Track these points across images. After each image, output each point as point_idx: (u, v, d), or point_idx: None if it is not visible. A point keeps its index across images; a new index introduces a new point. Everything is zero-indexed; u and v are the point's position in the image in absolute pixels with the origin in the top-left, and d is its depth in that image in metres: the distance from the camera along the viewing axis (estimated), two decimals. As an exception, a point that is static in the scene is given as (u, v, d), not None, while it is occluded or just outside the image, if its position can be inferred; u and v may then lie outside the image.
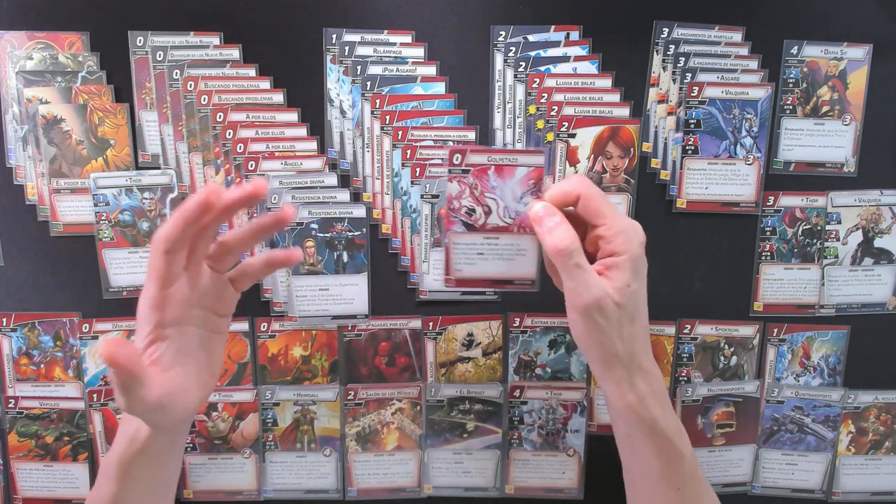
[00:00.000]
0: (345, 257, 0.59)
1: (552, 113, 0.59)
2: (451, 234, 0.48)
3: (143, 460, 0.46)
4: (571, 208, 0.47)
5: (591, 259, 0.46)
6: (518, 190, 0.48)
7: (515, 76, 0.59)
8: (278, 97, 0.58)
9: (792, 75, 0.59)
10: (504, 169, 0.47)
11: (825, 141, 0.60)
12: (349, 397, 0.62)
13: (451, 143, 0.59)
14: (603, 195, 0.46)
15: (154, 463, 0.47)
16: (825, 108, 0.60)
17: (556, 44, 0.58)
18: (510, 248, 0.49)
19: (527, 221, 0.48)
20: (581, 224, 0.47)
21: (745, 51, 0.59)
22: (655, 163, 0.60)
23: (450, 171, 0.48)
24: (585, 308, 0.44)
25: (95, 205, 0.58)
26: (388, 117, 0.58)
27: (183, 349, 0.44)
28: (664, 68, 0.59)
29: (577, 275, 0.44)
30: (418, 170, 0.59)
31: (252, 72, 0.58)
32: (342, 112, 0.59)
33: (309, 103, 0.58)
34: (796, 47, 0.59)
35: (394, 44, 0.58)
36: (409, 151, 0.58)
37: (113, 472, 0.46)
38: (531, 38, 0.58)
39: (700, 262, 0.61)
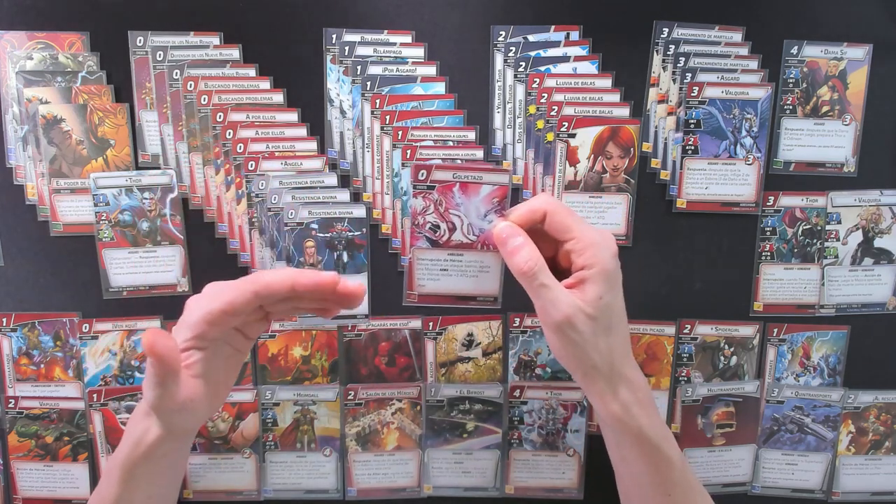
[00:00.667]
0: (345, 257, 0.59)
1: (552, 113, 0.59)
2: (414, 250, 0.49)
3: (148, 464, 0.46)
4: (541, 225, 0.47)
5: (567, 273, 0.46)
6: (482, 208, 0.48)
7: (515, 76, 0.59)
8: (278, 97, 0.58)
9: (792, 75, 0.59)
10: (469, 186, 0.48)
11: (825, 141, 0.60)
12: (349, 397, 0.62)
13: (451, 143, 0.59)
14: (569, 210, 0.47)
15: (158, 468, 0.47)
16: (825, 108, 0.60)
17: (556, 44, 0.58)
18: (474, 265, 0.50)
19: (490, 239, 0.48)
20: (552, 240, 0.47)
21: (745, 51, 0.59)
22: (655, 163, 0.60)
23: (415, 187, 0.48)
24: (556, 325, 0.45)
25: (95, 205, 0.58)
26: (388, 117, 0.58)
27: (212, 361, 0.45)
28: (664, 68, 0.59)
29: (544, 293, 0.45)
30: (418, 170, 0.59)
31: (252, 72, 0.58)
32: (342, 112, 0.59)
33: (309, 103, 0.58)
34: (796, 47, 0.59)
35: (394, 44, 0.58)
36: (409, 151, 0.58)
37: (116, 476, 0.46)
38: (531, 38, 0.58)
39: (700, 262, 0.61)
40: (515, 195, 0.60)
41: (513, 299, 0.61)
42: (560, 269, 0.47)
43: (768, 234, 0.61)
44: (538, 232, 0.47)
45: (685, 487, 0.48)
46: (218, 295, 0.43)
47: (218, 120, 0.58)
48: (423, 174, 0.47)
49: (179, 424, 0.46)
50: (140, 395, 0.60)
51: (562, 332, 0.45)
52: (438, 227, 0.49)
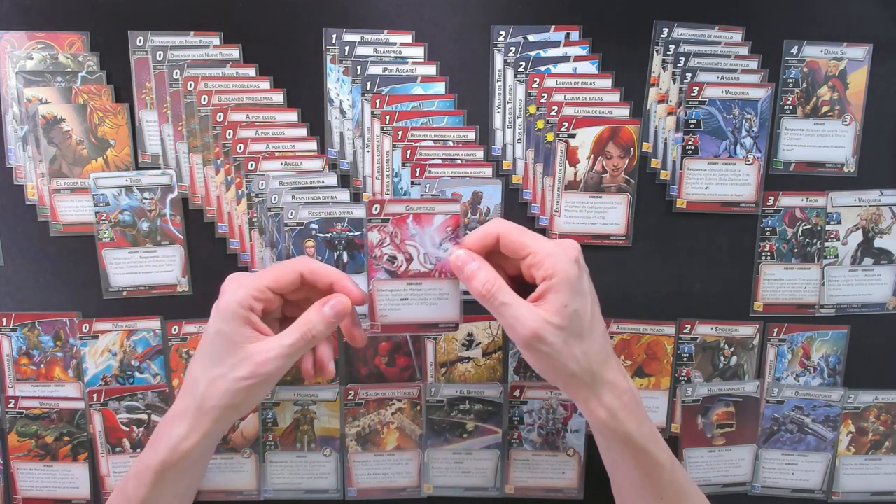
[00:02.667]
0: (345, 257, 0.59)
1: (552, 113, 0.59)
2: (374, 282, 0.50)
3: (182, 466, 0.48)
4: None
5: (533, 290, 0.46)
6: (437, 237, 0.50)
7: (515, 76, 0.59)
8: (278, 97, 0.58)
9: (792, 75, 0.59)
10: (422, 217, 0.49)
11: (825, 141, 0.60)
12: (349, 397, 0.62)
13: (451, 143, 0.59)
14: (521, 229, 0.47)
15: (189, 470, 0.49)
16: (825, 108, 0.60)
17: (556, 44, 0.58)
18: (433, 293, 0.51)
19: (447, 267, 0.50)
20: (513, 260, 0.48)
21: (745, 51, 0.59)
22: (655, 163, 0.60)
23: (369, 221, 0.49)
24: (525, 342, 0.45)
25: (95, 205, 0.58)
26: (388, 117, 0.58)
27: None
28: (664, 68, 0.59)
29: (505, 312, 0.45)
30: (418, 170, 0.59)
31: (252, 72, 0.58)
32: (342, 112, 0.59)
33: (309, 103, 0.58)
34: (796, 47, 0.59)
35: (394, 44, 0.58)
36: (409, 151, 0.58)
37: (148, 478, 0.47)
38: (531, 38, 0.58)
39: (700, 262, 0.61)
40: (515, 195, 0.60)
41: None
42: (528, 286, 0.47)
43: (768, 234, 0.61)
44: (499, 253, 0.48)
45: (677, 491, 0.48)
46: (265, 272, 0.49)
47: (218, 120, 0.58)
48: (376, 208, 0.49)
49: (231, 418, 0.48)
50: (140, 395, 0.60)
51: (532, 347, 0.45)
52: (396, 258, 0.50)
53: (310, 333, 0.47)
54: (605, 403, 0.46)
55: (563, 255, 0.45)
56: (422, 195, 0.59)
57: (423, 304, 0.51)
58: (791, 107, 0.60)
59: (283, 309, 0.51)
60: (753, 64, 0.59)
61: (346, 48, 0.58)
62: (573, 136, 0.59)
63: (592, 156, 0.59)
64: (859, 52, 0.59)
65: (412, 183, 0.59)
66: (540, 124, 0.59)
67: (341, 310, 0.48)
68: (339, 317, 0.48)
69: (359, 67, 0.58)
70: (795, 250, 0.62)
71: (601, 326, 0.47)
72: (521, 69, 0.58)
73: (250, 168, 0.58)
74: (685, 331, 0.62)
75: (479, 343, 0.62)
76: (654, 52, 0.59)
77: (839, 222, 0.61)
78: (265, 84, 0.58)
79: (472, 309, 0.61)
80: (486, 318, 0.61)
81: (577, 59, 0.58)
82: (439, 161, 0.59)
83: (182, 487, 0.50)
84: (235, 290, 0.47)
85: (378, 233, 0.49)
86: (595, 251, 0.61)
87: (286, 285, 0.48)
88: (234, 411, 0.48)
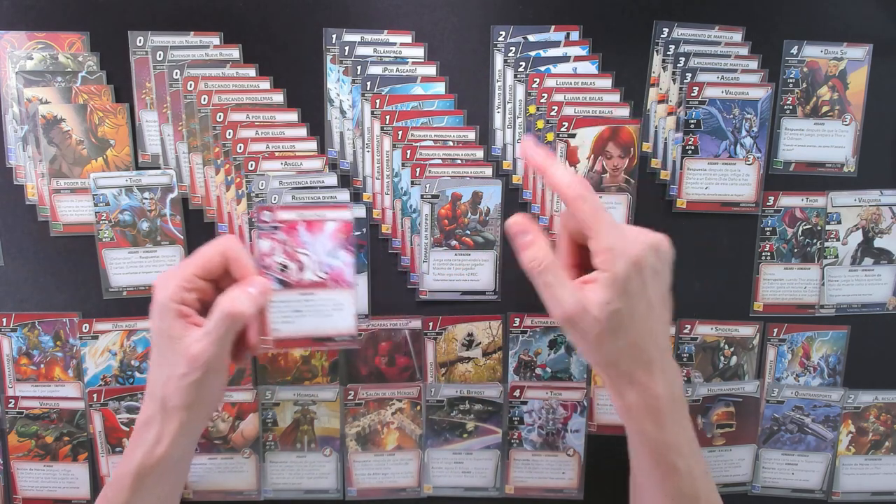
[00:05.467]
0: (345, 257, 0.59)
1: (552, 113, 0.59)
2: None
3: (160, 469, 0.47)
4: None
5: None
6: (329, 244, 0.48)
7: (515, 76, 0.59)
8: (278, 97, 0.58)
9: (792, 75, 0.59)
10: (314, 224, 0.48)
11: (825, 141, 0.60)
12: (349, 397, 0.62)
13: (451, 143, 0.59)
14: (595, 207, 0.45)
15: (168, 472, 0.48)
16: (825, 108, 0.60)
17: (556, 44, 0.58)
18: (327, 304, 0.49)
19: (341, 276, 0.48)
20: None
21: (745, 51, 0.59)
22: (655, 163, 0.60)
23: (259, 229, 0.47)
24: (561, 321, 0.45)
25: (95, 205, 0.58)
26: (388, 117, 0.58)
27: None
28: (664, 68, 0.59)
29: (546, 292, 0.45)
30: (418, 170, 0.59)
31: (252, 72, 0.58)
32: (342, 112, 0.59)
33: (309, 103, 0.58)
34: (796, 47, 0.59)
35: (394, 44, 0.58)
36: (409, 151, 0.58)
37: (128, 482, 0.46)
38: (531, 38, 0.58)
39: (700, 262, 0.61)
40: (515, 195, 0.60)
41: (513, 299, 0.61)
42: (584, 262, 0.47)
43: (768, 234, 0.61)
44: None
45: (691, 498, 0.47)
46: (184, 263, 0.47)
47: (218, 120, 0.58)
48: (267, 215, 0.47)
49: (198, 416, 0.47)
50: (140, 395, 0.60)
51: (567, 327, 0.45)
52: (287, 266, 0.48)
53: (232, 309, 0.45)
54: (627, 400, 0.46)
55: (619, 253, 0.44)
56: (422, 195, 0.59)
57: (318, 316, 0.49)
58: (791, 107, 0.60)
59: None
60: (753, 64, 0.59)
61: (346, 48, 0.58)
62: (573, 136, 0.59)
63: (592, 156, 0.59)
64: (859, 52, 0.59)
65: (412, 183, 0.59)
66: (540, 124, 0.59)
67: (265, 288, 0.46)
68: (263, 294, 0.46)
69: (359, 67, 0.58)
70: (795, 250, 0.62)
71: (650, 329, 0.46)
72: (521, 69, 0.58)
73: (250, 168, 0.58)
74: (685, 331, 0.62)
75: (479, 343, 0.62)
76: (654, 52, 0.59)
77: (839, 222, 0.61)
78: (265, 84, 0.58)
79: (473, 309, 0.61)
80: (486, 318, 0.61)
81: (577, 59, 0.58)
82: (439, 161, 0.59)
83: (164, 491, 0.49)
84: (165, 285, 0.46)
85: (269, 240, 0.47)
86: (595, 251, 0.61)
87: (212, 268, 0.46)
88: (197, 409, 0.46)
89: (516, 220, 0.47)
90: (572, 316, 0.44)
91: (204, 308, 0.47)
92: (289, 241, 0.48)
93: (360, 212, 0.59)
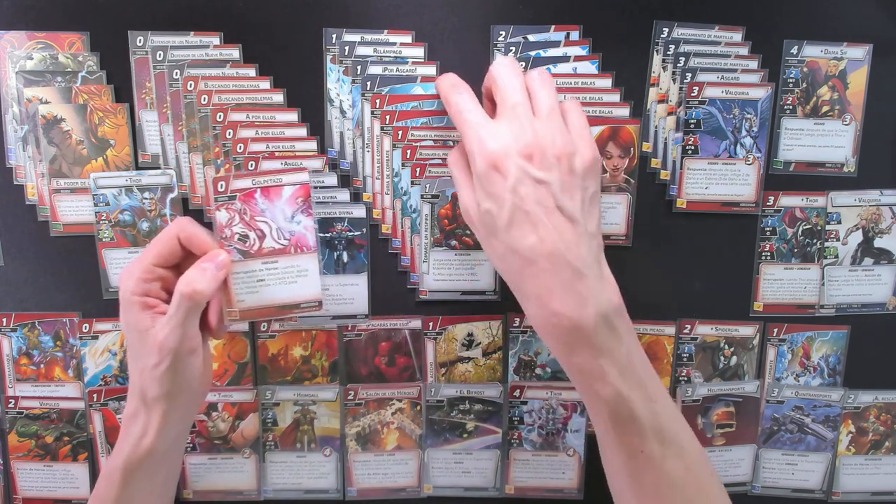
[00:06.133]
0: (345, 257, 0.59)
1: (552, 113, 0.59)
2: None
3: (148, 463, 0.47)
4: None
5: None
6: (288, 210, 0.48)
7: (515, 76, 0.58)
8: (278, 97, 0.58)
9: (792, 75, 0.59)
10: (270, 190, 0.47)
11: (825, 141, 0.60)
12: (349, 397, 0.62)
13: (451, 143, 0.59)
14: (458, 108, 0.47)
15: (158, 465, 0.48)
16: (825, 108, 0.60)
17: (556, 44, 0.58)
18: (291, 271, 0.48)
19: (303, 240, 0.48)
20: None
21: (745, 51, 0.59)
22: (655, 163, 0.60)
23: (216, 200, 0.47)
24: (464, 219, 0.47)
25: (95, 205, 0.58)
26: (388, 117, 0.58)
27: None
28: (664, 68, 0.59)
29: (456, 187, 0.47)
30: (418, 170, 0.59)
31: (252, 72, 0.58)
32: (342, 112, 0.59)
33: (309, 103, 0.58)
34: (796, 47, 0.59)
35: (394, 44, 0.58)
36: (409, 151, 0.58)
37: (117, 478, 0.46)
38: (531, 38, 0.58)
39: (700, 262, 0.61)
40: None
41: (513, 299, 0.61)
42: None
43: (768, 234, 0.61)
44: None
45: (630, 423, 0.44)
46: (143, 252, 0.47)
47: (218, 120, 0.58)
48: (221, 185, 0.47)
49: (181, 404, 0.47)
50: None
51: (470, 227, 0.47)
52: (247, 236, 0.47)
53: (189, 289, 0.45)
54: (529, 312, 0.46)
55: (479, 155, 0.44)
56: (422, 195, 0.59)
57: (282, 284, 0.48)
58: (791, 107, 0.60)
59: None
60: (753, 64, 0.59)
61: (346, 48, 0.58)
62: (573, 136, 0.59)
63: (592, 156, 0.59)
64: (859, 52, 0.59)
65: (412, 183, 0.59)
66: (540, 124, 0.59)
67: (220, 261, 0.46)
68: (219, 268, 0.46)
69: (359, 67, 0.58)
70: (795, 250, 0.62)
71: (543, 238, 0.43)
72: (521, 69, 0.58)
73: (250, 168, 0.58)
74: (685, 331, 0.62)
75: (479, 343, 0.62)
76: (654, 52, 0.59)
77: (839, 222, 0.61)
78: (265, 84, 0.58)
79: (473, 309, 0.61)
80: (485, 318, 0.61)
81: (577, 59, 0.58)
82: (439, 161, 0.59)
83: (156, 484, 0.49)
84: (126, 279, 0.46)
85: (226, 211, 0.47)
86: (595, 251, 0.61)
87: (168, 254, 0.47)
88: (177, 398, 0.46)
89: (444, 75, 0.49)
90: (466, 214, 0.46)
91: (170, 295, 0.47)
92: (246, 209, 0.47)
93: (360, 212, 0.59)
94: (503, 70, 0.47)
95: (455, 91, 0.48)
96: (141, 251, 0.48)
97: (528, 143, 0.44)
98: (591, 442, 0.63)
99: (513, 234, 0.44)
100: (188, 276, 0.46)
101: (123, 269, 0.48)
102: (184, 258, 0.48)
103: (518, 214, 0.43)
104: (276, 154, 0.58)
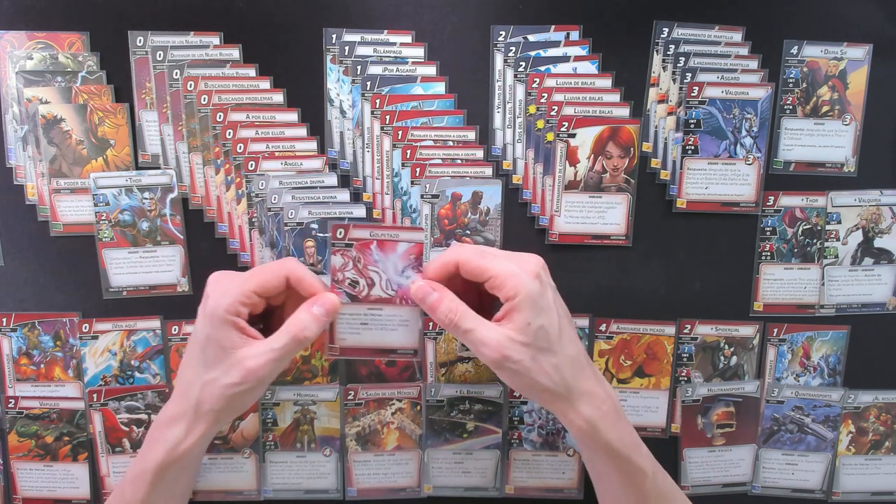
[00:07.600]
0: (345, 257, 0.59)
1: (552, 113, 0.59)
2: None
3: (180, 466, 0.48)
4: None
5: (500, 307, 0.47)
6: (400, 264, 0.49)
7: (515, 76, 0.59)
8: (278, 97, 0.58)
9: (792, 75, 0.59)
10: (386, 244, 0.49)
11: (825, 141, 0.60)
12: (349, 397, 0.62)
13: (451, 143, 0.59)
14: (480, 252, 0.47)
15: (186, 469, 0.50)
16: (825, 108, 0.60)
17: (556, 44, 0.58)
18: (393, 319, 0.50)
19: (408, 294, 0.49)
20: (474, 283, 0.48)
21: (745, 51, 0.59)
22: (655, 163, 0.60)
23: (333, 245, 0.49)
24: (494, 363, 0.46)
25: (95, 205, 0.58)
26: (388, 117, 0.58)
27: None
28: (664, 68, 0.59)
29: (472, 338, 0.46)
30: (418, 170, 0.59)
31: (252, 72, 0.58)
32: (342, 112, 0.59)
33: (309, 103, 0.58)
34: (796, 47, 0.59)
35: (394, 44, 0.58)
36: (409, 151, 0.58)
37: (148, 479, 0.48)
38: (531, 38, 0.58)
39: (700, 262, 0.61)
40: (515, 195, 0.60)
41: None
42: (492, 303, 0.48)
43: (768, 234, 0.61)
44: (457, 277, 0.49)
45: (659, 496, 0.49)
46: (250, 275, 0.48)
47: (218, 120, 0.58)
48: (341, 232, 0.49)
49: (226, 420, 0.49)
50: (140, 395, 0.60)
51: (502, 367, 0.45)
52: (357, 282, 0.50)
53: (301, 335, 0.46)
54: (584, 414, 0.46)
55: (523, 274, 0.45)
56: (422, 195, 0.59)
57: (383, 330, 0.50)
58: (791, 107, 0.60)
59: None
60: (753, 64, 0.59)
61: (346, 48, 0.58)
62: (573, 135, 0.59)
63: (592, 156, 0.59)
64: (859, 52, 0.59)
65: (412, 183, 0.59)
66: (540, 124, 0.59)
67: (331, 307, 0.48)
68: (330, 315, 0.48)
69: (359, 67, 0.58)
70: (795, 250, 0.62)
71: (572, 338, 0.48)
72: (521, 69, 0.58)
73: (250, 168, 0.58)
74: (685, 331, 0.62)
75: (479, 343, 0.62)
76: (654, 52, 0.59)
77: (839, 222, 0.61)
78: (265, 84, 0.58)
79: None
80: (486, 318, 0.61)
81: (577, 59, 0.58)
82: (439, 161, 0.59)
83: (180, 487, 0.51)
84: (222, 295, 0.47)
85: (341, 257, 0.49)
86: (595, 251, 0.61)
87: (272, 289, 0.48)
88: (230, 413, 0.48)
89: (419, 285, 0.48)
90: (503, 351, 0.45)
91: (254, 318, 0.48)
92: (361, 258, 0.49)
93: (361, 211, 0.59)
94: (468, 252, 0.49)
95: (463, 248, 0.49)
96: (243, 274, 0.49)
97: (532, 259, 0.48)
98: (591, 442, 0.63)
99: (564, 340, 0.47)
100: (302, 321, 0.47)
101: (216, 283, 0.48)
102: (276, 294, 0.49)
103: (563, 320, 0.47)
104: (276, 154, 0.58)
